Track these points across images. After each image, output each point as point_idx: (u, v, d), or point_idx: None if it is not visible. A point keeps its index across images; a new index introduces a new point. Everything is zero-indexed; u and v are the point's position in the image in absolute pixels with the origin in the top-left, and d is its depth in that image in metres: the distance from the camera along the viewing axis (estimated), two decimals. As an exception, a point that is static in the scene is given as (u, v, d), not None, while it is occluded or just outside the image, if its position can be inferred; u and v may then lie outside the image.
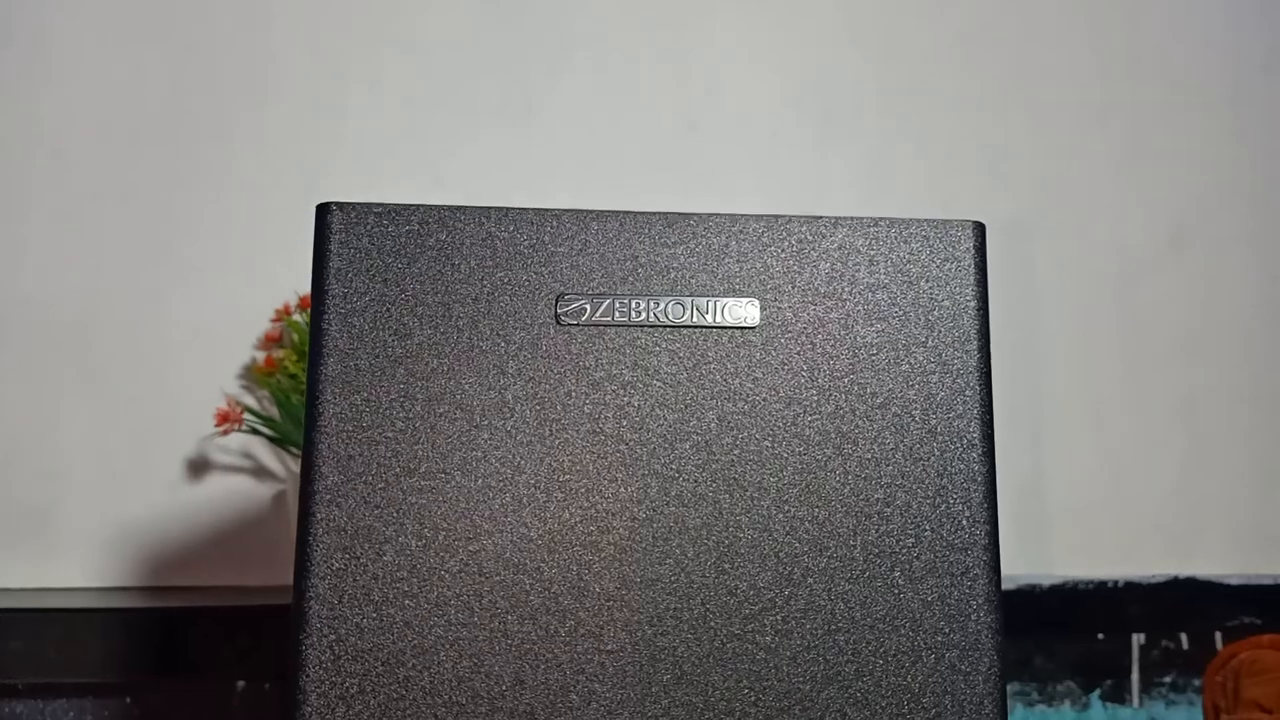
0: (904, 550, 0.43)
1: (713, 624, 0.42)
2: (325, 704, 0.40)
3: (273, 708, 0.83)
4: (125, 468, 0.86)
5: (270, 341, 0.86)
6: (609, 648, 0.42)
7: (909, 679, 0.42)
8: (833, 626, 0.42)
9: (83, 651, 0.82)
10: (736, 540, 0.43)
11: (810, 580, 0.42)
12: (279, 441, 0.83)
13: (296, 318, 0.84)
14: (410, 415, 0.43)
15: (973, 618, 0.42)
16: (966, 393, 0.44)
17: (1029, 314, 0.95)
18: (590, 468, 0.43)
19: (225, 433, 0.81)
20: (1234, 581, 0.90)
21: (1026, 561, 0.90)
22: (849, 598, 0.42)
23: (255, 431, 0.82)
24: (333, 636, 0.41)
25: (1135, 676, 0.89)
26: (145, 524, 0.86)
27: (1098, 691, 0.88)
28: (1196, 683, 0.89)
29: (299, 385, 0.82)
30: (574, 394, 0.43)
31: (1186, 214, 0.97)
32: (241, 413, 0.81)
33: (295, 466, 0.85)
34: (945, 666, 0.42)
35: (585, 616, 0.42)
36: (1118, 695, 0.89)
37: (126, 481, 0.86)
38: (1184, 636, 0.89)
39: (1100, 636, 0.89)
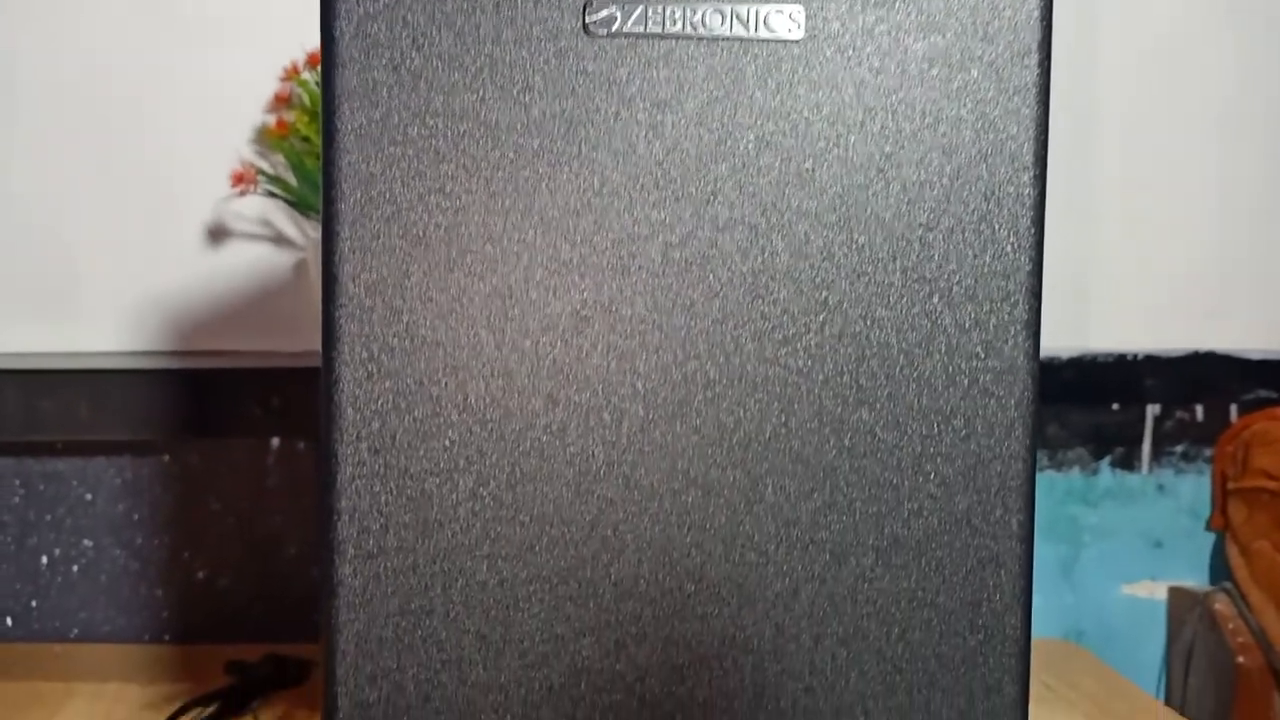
0: (944, 275, 0.41)
1: (745, 348, 0.41)
2: (360, 418, 0.41)
3: (308, 465, 0.86)
4: (144, 236, 0.85)
5: (280, 102, 0.83)
6: (640, 369, 0.41)
7: (941, 401, 0.42)
8: (866, 352, 0.42)
9: (115, 411, 0.84)
10: (772, 265, 0.41)
11: (846, 305, 0.42)
12: (296, 205, 0.81)
13: (306, 76, 0.80)
14: (431, 132, 0.41)
15: (1009, 342, 0.41)
16: (1023, 111, 0.41)
17: (1072, 70, 0.90)
18: (621, 189, 0.41)
19: (242, 193, 0.79)
20: (1255, 356, 0.90)
21: (1046, 333, 0.90)
22: (884, 323, 0.42)
23: (271, 194, 0.81)
24: (365, 339, 0.41)
25: (1146, 445, 0.90)
26: (167, 291, 0.86)
27: (1108, 459, 0.90)
28: (1208, 453, 0.90)
29: (312, 149, 0.79)
30: (604, 111, 0.41)
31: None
32: (256, 174, 0.79)
33: (314, 233, 0.84)
34: (978, 390, 0.41)
35: (616, 339, 0.41)
36: (1127, 463, 0.91)
37: (146, 249, 0.85)
38: (1199, 409, 0.90)
39: (1115, 407, 0.90)
